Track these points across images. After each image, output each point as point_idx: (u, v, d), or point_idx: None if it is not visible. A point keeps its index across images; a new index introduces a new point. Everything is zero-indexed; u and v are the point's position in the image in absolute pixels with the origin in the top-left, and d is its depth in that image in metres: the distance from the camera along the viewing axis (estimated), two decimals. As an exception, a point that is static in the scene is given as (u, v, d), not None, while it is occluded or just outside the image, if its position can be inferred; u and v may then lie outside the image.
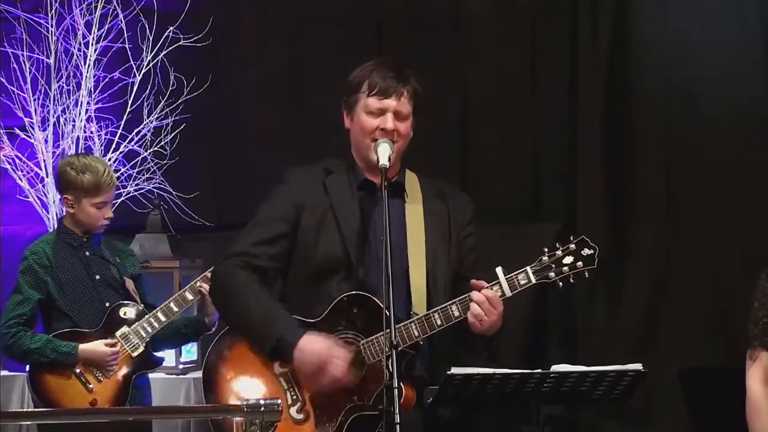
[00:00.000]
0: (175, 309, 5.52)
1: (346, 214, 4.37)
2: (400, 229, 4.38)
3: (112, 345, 5.43)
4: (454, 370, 4.16)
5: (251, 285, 4.33)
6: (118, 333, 5.47)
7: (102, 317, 5.48)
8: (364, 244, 4.35)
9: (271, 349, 4.27)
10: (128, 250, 5.83)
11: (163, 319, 5.49)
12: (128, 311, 5.52)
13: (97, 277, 5.55)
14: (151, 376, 5.82)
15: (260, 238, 4.39)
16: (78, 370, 5.43)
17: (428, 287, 4.36)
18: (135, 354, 5.49)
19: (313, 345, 4.23)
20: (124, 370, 5.48)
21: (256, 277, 4.35)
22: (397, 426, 3.91)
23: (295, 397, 4.30)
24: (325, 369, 4.21)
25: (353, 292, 4.29)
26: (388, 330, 4.11)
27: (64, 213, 5.71)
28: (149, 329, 5.49)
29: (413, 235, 4.39)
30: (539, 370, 4.25)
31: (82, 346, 5.41)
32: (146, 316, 5.51)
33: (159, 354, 5.62)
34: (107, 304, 5.52)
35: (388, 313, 4.02)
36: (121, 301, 5.54)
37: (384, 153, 4.30)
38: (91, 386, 5.43)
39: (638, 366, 4.27)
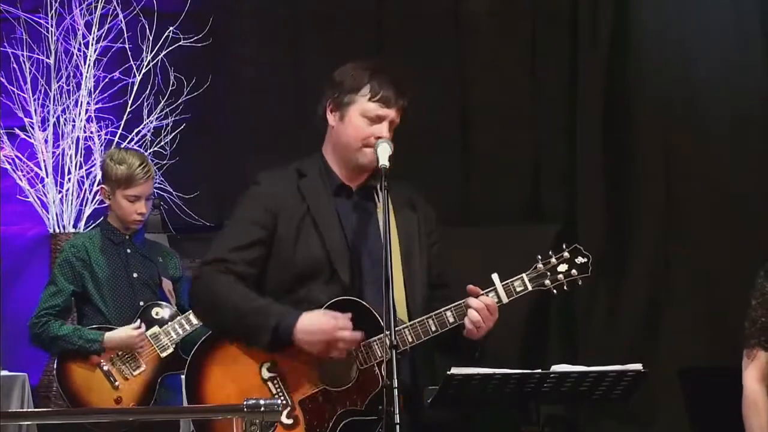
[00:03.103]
0: None
1: (325, 220, 4.32)
2: (375, 236, 4.34)
3: (136, 327, 5.42)
4: (454, 370, 4.16)
5: (234, 284, 4.29)
6: (148, 332, 5.45)
7: (134, 315, 5.48)
8: (345, 250, 4.32)
9: (269, 338, 4.23)
10: (172, 252, 5.81)
11: (195, 321, 5.42)
12: (161, 311, 5.51)
13: (135, 275, 5.54)
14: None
15: (237, 243, 4.33)
16: (105, 367, 5.42)
17: (406, 294, 4.34)
18: (164, 354, 5.46)
19: (313, 321, 4.20)
20: (151, 370, 5.46)
21: (234, 278, 4.31)
22: (397, 426, 3.90)
23: (284, 401, 4.26)
24: (334, 341, 4.18)
25: (341, 298, 4.26)
26: (382, 335, 4.11)
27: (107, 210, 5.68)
28: (180, 331, 5.46)
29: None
30: (539, 370, 4.25)
31: (108, 333, 5.40)
32: (178, 318, 5.48)
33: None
34: (141, 303, 5.51)
35: (388, 315, 4.00)
36: (155, 301, 5.54)
37: (384, 153, 4.27)
38: (117, 383, 5.42)
39: (638, 366, 4.27)
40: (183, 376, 5.53)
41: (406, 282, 4.33)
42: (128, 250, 5.56)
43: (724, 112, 7.04)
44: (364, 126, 4.31)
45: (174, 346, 5.47)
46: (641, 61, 7.19)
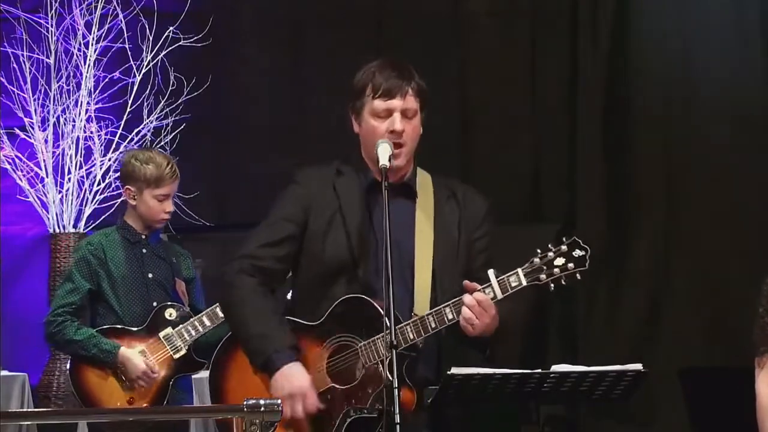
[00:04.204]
0: (221, 315, 5.37)
1: (353, 216, 4.35)
2: (409, 231, 4.36)
3: (152, 369, 5.40)
4: (454, 370, 4.16)
5: (252, 295, 4.32)
6: (161, 334, 5.44)
7: (148, 316, 5.47)
8: (370, 246, 4.34)
9: (259, 365, 4.29)
10: (186, 252, 5.78)
11: (207, 323, 5.43)
12: (174, 313, 5.49)
13: (150, 275, 5.52)
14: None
15: (267, 240, 4.37)
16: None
17: (434, 290, 4.34)
18: (177, 356, 5.44)
19: (294, 375, 4.23)
20: (164, 372, 5.43)
21: (258, 281, 4.33)
22: (398, 426, 3.91)
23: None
24: (293, 401, 4.22)
25: (352, 295, 4.29)
26: (383, 334, 4.13)
27: (126, 208, 5.64)
28: (193, 332, 5.45)
29: (421, 237, 4.37)
30: (539, 370, 4.25)
31: (124, 350, 5.39)
32: (191, 320, 5.47)
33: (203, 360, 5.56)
34: (155, 304, 5.49)
35: (388, 315, 4.01)
36: (168, 302, 5.53)
37: (384, 153, 4.28)
38: (129, 385, 5.42)
39: (638, 366, 4.27)
40: (193, 377, 5.60)
41: (435, 276, 4.34)
42: (144, 250, 5.54)
43: (724, 112, 7.04)
44: (377, 125, 4.32)
45: (187, 347, 5.46)
46: (641, 61, 7.19)
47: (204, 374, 5.94)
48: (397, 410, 3.92)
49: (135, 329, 5.43)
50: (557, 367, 4.28)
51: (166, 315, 5.48)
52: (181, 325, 5.46)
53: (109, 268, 5.47)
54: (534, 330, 7.17)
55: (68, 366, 5.49)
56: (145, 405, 5.36)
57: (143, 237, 5.55)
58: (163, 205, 5.51)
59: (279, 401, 3.37)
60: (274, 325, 4.30)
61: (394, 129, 4.30)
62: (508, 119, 7.41)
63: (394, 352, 3.97)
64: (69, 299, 5.44)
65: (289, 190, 4.44)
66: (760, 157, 6.97)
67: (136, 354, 5.39)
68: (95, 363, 5.39)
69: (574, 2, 7.29)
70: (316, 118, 7.30)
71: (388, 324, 4.02)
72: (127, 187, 5.53)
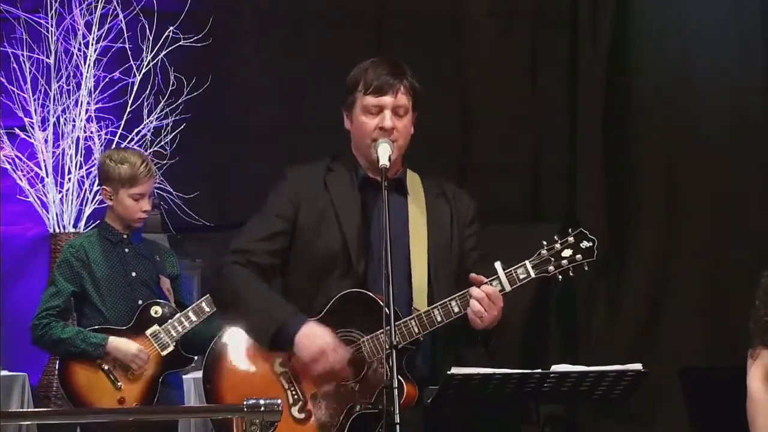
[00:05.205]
0: (207, 309, 5.45)
1: (346, 210, 4.37)
2: (402, 227, 4.38)
3: (142, 349, 5.42)
4: (454, 370, 4.16)
5: (250, 278, 4.35)
6: (148, 331, 5.45)
7: (133, 315, 5.48)
8: (364, 241, 4.35)
9: (271, 337, 4.27)
10: (169, 250, 5.83)
11: (194, 318, 5.46)
12: (159, 310, 5.51)
13: (133, 274, 5.54)
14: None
15: (259, 235, 4.40)
16: (107, 367, 5.42)
17: (430, 284, 4.35)
18: (165, 353, 5.46)
19: (315, 333, 4.24)
20: (153, 369, 5.45)
21: (253, 270, 4.35)
22: (397, 426, 3.91)
23: (296, 396, 4.31)
24: (324, 358, 4.21)
25: (353, 290, 4.29)
26: (388, 327, 4.12)
27: (106, 209, 5.68)
28: (180, 328, 5.47)
29: (415, 232, 4.39)
30: (539, 370, 4.25)
31: (112, 339, 5.40)
32: (177, 315, 5.48)
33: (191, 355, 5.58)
34: (140, 302, 5.51)
35: (388, 312, 4.01)
36: (154, 300, 5.54)
37: (384, 153, 4.29)
38: (119, 384, 5.41)
39: (638, 366, 4.27)
40: (193, 377, 5.60)
41: (431, 270, 4.35)
42: (126, 250, 5.57)
43: (724, 112, 7.04)
44: (367, 121, 4.35)
45: (174, 344, 5.47)
46: (641, 61, 7.19)
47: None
48: (397, 410, 3.92)
49: (122, 328, 5.44)
50: (557, 367, 4.28)
51: (152, 312, 5.50)
52: (167, 322, 5.48)
53: (92, 269, 5.50)
54: (534, 330, 7.17)
55: (57, 368, 5.51)
56: (135, 404, 5.37)
57: (125, 237, 5.57)
58: (140, 204, 5.52)
59: (279, 401, 3.37)
60: (274, 299, 4.33)
61: (383, 126, 4.32)
62: (508, 119, 7.41)
63: (394, 351, 3.97)
64: (52, 303, 5.47)
65: (278, 186, 4.47)
66: (760, 157, 6.97)
67: (124, 339, 5.41)
68: (85, 360, 5.40)
69: (574, 2, 7.29)
70: (316, 118, 7.29)
71: (389, 321, 4.02)
72: (103, 187, 5.56)
